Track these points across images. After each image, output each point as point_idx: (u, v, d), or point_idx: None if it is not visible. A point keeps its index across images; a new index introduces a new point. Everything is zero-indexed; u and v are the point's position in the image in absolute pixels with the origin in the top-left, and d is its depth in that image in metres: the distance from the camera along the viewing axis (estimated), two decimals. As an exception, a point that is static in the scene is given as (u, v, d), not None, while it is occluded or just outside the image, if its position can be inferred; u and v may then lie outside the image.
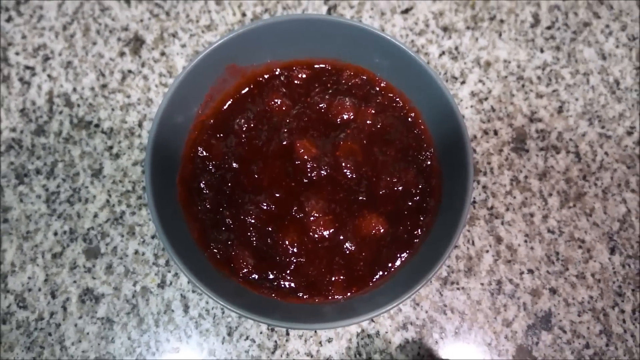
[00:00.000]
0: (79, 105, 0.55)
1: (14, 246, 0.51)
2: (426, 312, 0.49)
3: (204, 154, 0.46)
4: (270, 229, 0.44)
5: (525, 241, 0.52)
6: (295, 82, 0.48)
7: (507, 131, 0.55)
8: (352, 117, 0.47)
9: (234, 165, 0.45)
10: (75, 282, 0.50)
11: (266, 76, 0.48)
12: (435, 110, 0.46)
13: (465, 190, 0.42)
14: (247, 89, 0.48)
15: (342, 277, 0.43)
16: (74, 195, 0.52)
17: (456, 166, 0.43)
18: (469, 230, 0.52)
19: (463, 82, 0.56)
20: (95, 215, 0.52)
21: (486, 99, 0.56)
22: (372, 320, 0.49)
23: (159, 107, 0.43)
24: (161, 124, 0.43)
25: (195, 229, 0.44)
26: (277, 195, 0.44)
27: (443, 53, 0.57)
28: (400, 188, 0.45)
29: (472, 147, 0.44)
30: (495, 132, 0.55)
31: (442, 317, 0.49)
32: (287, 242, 0.43)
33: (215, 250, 0.44)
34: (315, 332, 0.49)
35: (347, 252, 0.44)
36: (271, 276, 0.43)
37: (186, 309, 0.49)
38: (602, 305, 0.50)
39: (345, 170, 0.45)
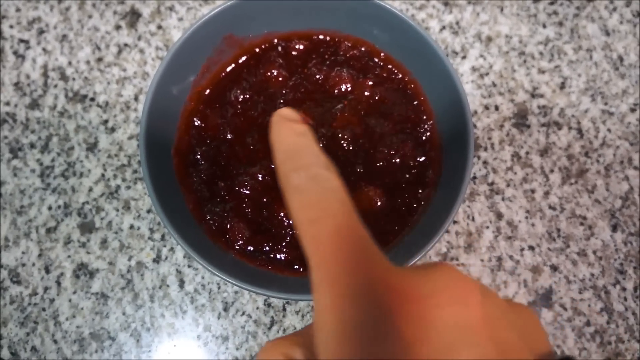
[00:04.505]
0: (74, 79, 0.54)
1: (7, 221, 0.50)
2: (424, 288, 0.49)
3: (200, 124, 0.45)
4: (265, 200, 0.43)
5: (526, 217, 0.51)
6: (293, 53, 0.47)
7: (508, 107, 0.54)
8: (349, 88, 0.46)
9: (229, 136, 0.45)
10: (69, 256, 0.50)
11: (263, 47, 0.48)
12: (436, 82, 0.45)
13: (465, 164, 0.41)
14: (243, 59, 0.47)
15: (339, 250, 0.42)
16: (68, 169, 0.52)
17: (456, 139, 0.43)
18: (469, 206, 0.51)
19: (464, 57, 0.55)
20: (90, 190, 0.51)
21: (487, 74, 0.55)
22: (370, 296, 0.49)
23: (154, 77, 0.42)
24: (156, 94, 0.42)
25: (191, 201, 0.44)
26: (273, 166, 0.43)
27: (444, 28, 0.56)
28: (397, 160, 0.44)
29: (472, 122, 0.43)
30: (496, 108, 0.54)
31: (440, 293, 0.49)
32: (282, 214, 0.42)
33: (211, 222, 0.43)
34: (313, 307, 0.48)
35: (344, 224, 0.43)
36: (267, 248, 0.42)
37: (182, 284, 0.49)
38: (603, 283, 0.50)
39: (342, 142, 0.44)
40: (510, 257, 0.50)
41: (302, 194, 0.24)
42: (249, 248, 0.42)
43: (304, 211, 0.23)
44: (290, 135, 0.26)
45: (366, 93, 0.46)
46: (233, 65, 0.47)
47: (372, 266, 0.21)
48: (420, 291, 0.21)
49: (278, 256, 0.42)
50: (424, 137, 0.45)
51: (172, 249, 0.50)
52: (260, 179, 0.43)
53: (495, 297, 0.22)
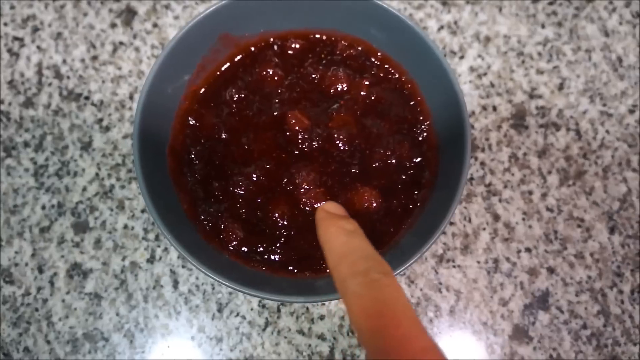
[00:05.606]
0: (68, 77, 0.54)
1: (0, 220, 0.50)
2: (421, 289, 0.48)
3: (195, 124, 0.45)
4: (260, 200, 0.43)
5: (523, 219, 0.50)
6: (289, 52, 0.47)
7: (506, 107, 0.53)
8: (346, 88, 0.45)
9: (224, 136, 0.44)
10: (63, 256, 0.49)
11: (259, 45, 0.47)
12: (433, 82, 0.44)
13: (462, 165, 0.40)
14: (239, 58, 0.47)
15: (334, 251, 0.42)
16: (62, 168, 0.51)
17: (454, 140, 0.42)
18: (465, 207, 0.51)
19: (462, 57, 0.55)
20: (84, 189, 0.51)
21: (485, 74, 0.54)
22: (365, 298, 0.48)
23: (148, 75, 0.42)
24: (150, 93, 0.42)
25: (185, 201, 0.43)
26: (268, 166, 0.43)
27: (442, 27, 0.56)
28: (394, 161, 0.44)
29: (470, 123, 0.42)
30: (494, 108, 0.53)
31: (437, 295, 0.48)
32: (277, 215, 0.42)
33: (205, 223, 0.43)
34: (307, 309, 0.48)
35: (340, 225, 0.42)
36: (261, 249, 0.42)
37: (176, 284, 0.49)
38: (600, 286, 0.49)
39: (337, 142, 0.43)
40: (507, 259, 0.49)
41: (362, 300, 0.23)
42: (243, 249, 0.42)
43: (365, 319, 0.23)
44: (340, 235, 0.25)
45: (362, 93, 0.45)
46: (228, 64, 0.47)
47: None
48: None
49: (272, 257, 0.42)
50: (420, 138, 0.45)
51: (166, 249, 0.49)
52: (255, 179, 0.43)
53: None
